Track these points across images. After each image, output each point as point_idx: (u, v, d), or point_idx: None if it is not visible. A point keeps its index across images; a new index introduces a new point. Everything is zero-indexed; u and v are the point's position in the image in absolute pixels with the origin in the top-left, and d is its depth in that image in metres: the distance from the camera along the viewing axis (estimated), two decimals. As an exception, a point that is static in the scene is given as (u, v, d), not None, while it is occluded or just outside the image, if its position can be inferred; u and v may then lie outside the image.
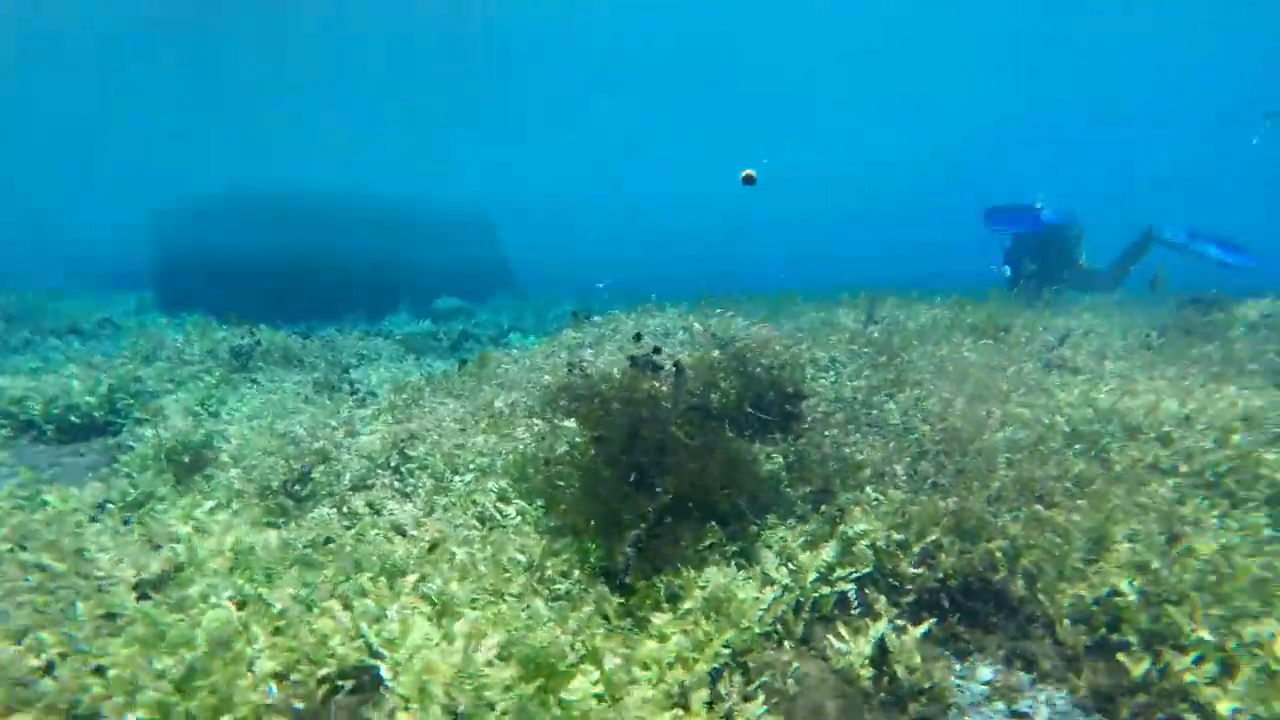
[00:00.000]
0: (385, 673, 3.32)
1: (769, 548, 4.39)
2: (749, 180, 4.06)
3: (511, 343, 15.31)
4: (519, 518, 5.01)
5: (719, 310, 11.15)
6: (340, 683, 3.57)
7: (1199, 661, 3.31)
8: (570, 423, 5.25)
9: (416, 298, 21.35)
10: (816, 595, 4.10)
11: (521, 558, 4.42)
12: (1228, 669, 3.24)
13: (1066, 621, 3.80)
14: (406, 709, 3.09)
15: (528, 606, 3.77)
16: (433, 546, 4.55)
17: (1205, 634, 3.37)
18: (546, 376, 7.37)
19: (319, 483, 6.20)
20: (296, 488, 6.28)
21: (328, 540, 4.95)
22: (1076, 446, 4.96)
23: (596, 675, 3.34)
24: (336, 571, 4.32)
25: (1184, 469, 4.58)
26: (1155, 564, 3.77)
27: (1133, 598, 3.69)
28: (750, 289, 13.49)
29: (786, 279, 14.21)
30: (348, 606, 3.94)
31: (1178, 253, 12.92)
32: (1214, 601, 3.49)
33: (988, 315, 8.31)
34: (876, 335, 7.55)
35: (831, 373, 6.82)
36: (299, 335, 13.45)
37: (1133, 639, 3.64)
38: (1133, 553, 3.84)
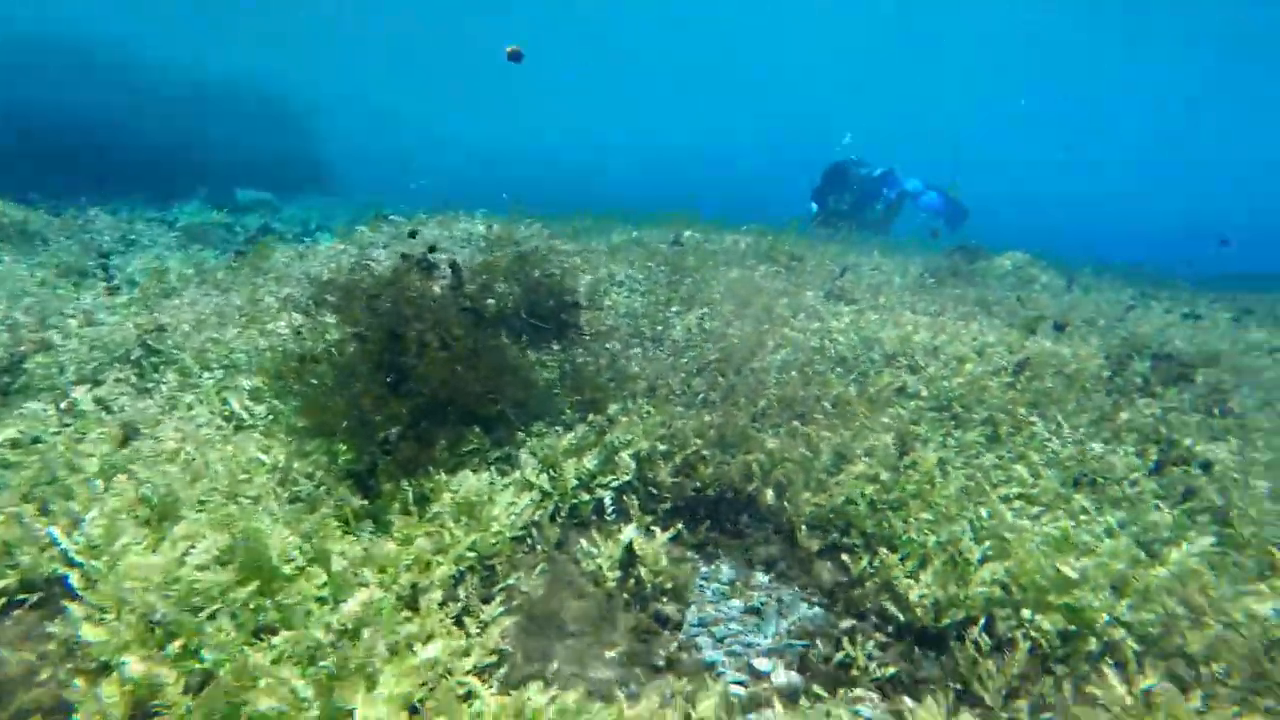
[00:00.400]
0: (75, 581, 2.94)
1: (533, 454, 4.35)
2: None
3: (318, 241, 14.07)
4: (270, 418, 4.61)
5: (527, 220, 10.89)
6: (23, 596, 3.15)
7: (904, 559, 3.68)
8: (333, 319, 4.86)
9: (217, 186, 18.98)
10: (575, 501, 4.12)
11: (265, 459, 4.07)
12: (925, 563, 3.63)
13: (805, 528, 4.08)
14: (100, 620, 2.75)
15: (261, 509, 3.48)
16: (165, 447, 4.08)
17: (914, 535, 3.75)
18: (326, 272, 6.81)
19: (35, 375, 5.39)
20: (4, 378, 5.42)
21: (35, 440, 4.32)
22: (839, 370, 5.30)
23: (324, 578, 3.16)
24: (38, 473, 3.77)
25: (925, 393, 5.03)
26: (885, 476, 4.13)
27: (863, 506, 4.02)
28: (593, 208, 13.39)
29: (631, 202, 14.20)
30: (44, 512, 3.46)
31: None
32: (925, 507, 3.88)
33: (785, 245, 8.68)
34: (675, 256, 7.65)
35: (625, 289, 6.84)
36: (48, 212, 11.58)
37: (858, 542, 3.99)
38: (869, 466, 4.17)
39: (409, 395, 4.12)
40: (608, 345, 5.44)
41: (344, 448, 4.09)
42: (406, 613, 3.09)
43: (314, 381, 4.42)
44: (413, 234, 5.22)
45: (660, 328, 5.97)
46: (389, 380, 4.12)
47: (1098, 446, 4.63)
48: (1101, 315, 8.00)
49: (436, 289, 4.88)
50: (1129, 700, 2.88)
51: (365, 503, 3.73)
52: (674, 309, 6.33)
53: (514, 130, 64.97)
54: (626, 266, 7.47)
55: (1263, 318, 9.75)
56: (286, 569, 3.14)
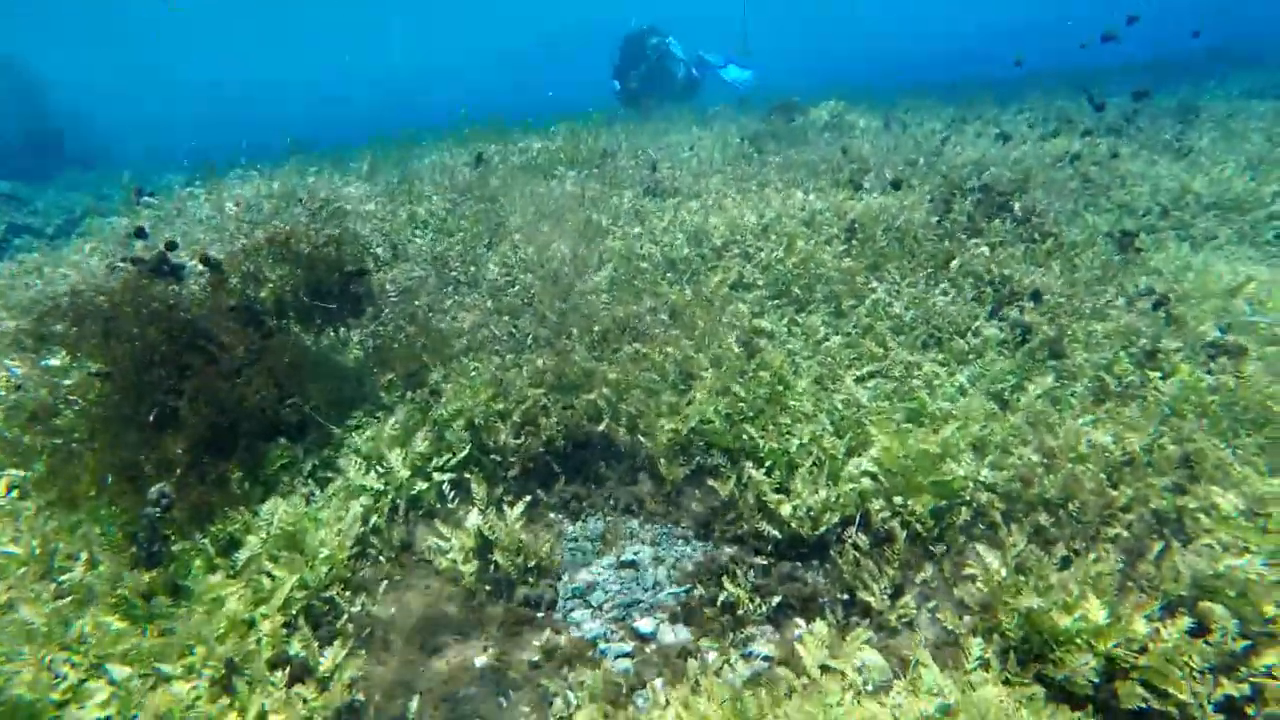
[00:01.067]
0: None
1: (355, 452, 3.82)
2: None
3: (91, 234, 12.01)
4: (14, 495, 3.79)
5: (312, 170, 9.70)
6: None
7: (771, 471, 3.50)
8: (58, 360, 3.98)
9: None
10: (414, 493, 3.66)
11: (15, 550, 3.33)
12: (793, 469, 3.47)
13: (664, 459, 3.82)
14: None
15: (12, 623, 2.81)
16: None
17: (774, 443, 3.56)
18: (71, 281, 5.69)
19: None
20: None
21: None
22: (670, 275, 4.97)
23: (106, 694, 2.60)
24: None
25: (761, 282, 4.81)
26: (735, 387, 3.89)
27: (719, 423, 3.79)
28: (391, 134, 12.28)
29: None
30: None
31: (711, 71, 15.29)
32: (780, 411, 3.69)
33: (595, 140, 8.11)
34: (478, 179, 6.96)
35: (429, 229, 6.15)
36: None
37: (722, 462, 3.77)
38: (717, 378, 3.92)
39: (182, 428, 3.43)
40: (416, 303, 4.84)
41: (113, 511, 3.38)
42: (225, 700, 2.60)
43: (58, 440, 3.61)
44: (170, 245, 4.25)
45: (473, 267, 5.39)
46: (152, 418, 3.40)
47: (939, 299, 4.60)
48: (919, 152, 8.06)
49: (195, 289, 4.08)
50: (1003, 572, 2.86)
51: (153, 574, 3.10)
52: (485, 242, 5.74)
53: (285, 67, 58.39)
54: (426, 202, 6.72)
55: (1054, 121, 10.24)
56: (54, 696, 2.55)
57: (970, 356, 4.16)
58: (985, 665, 2.60)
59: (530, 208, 6.20)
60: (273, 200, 7.89)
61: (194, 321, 3.62)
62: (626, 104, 14.16)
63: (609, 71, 14.29)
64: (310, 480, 3.74)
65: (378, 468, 3.75)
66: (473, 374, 4.28)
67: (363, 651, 3.01)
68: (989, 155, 8.03)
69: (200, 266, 4.05)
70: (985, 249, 5.16)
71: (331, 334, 4.45)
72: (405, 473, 3.71)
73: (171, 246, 4.16)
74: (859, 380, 3.99)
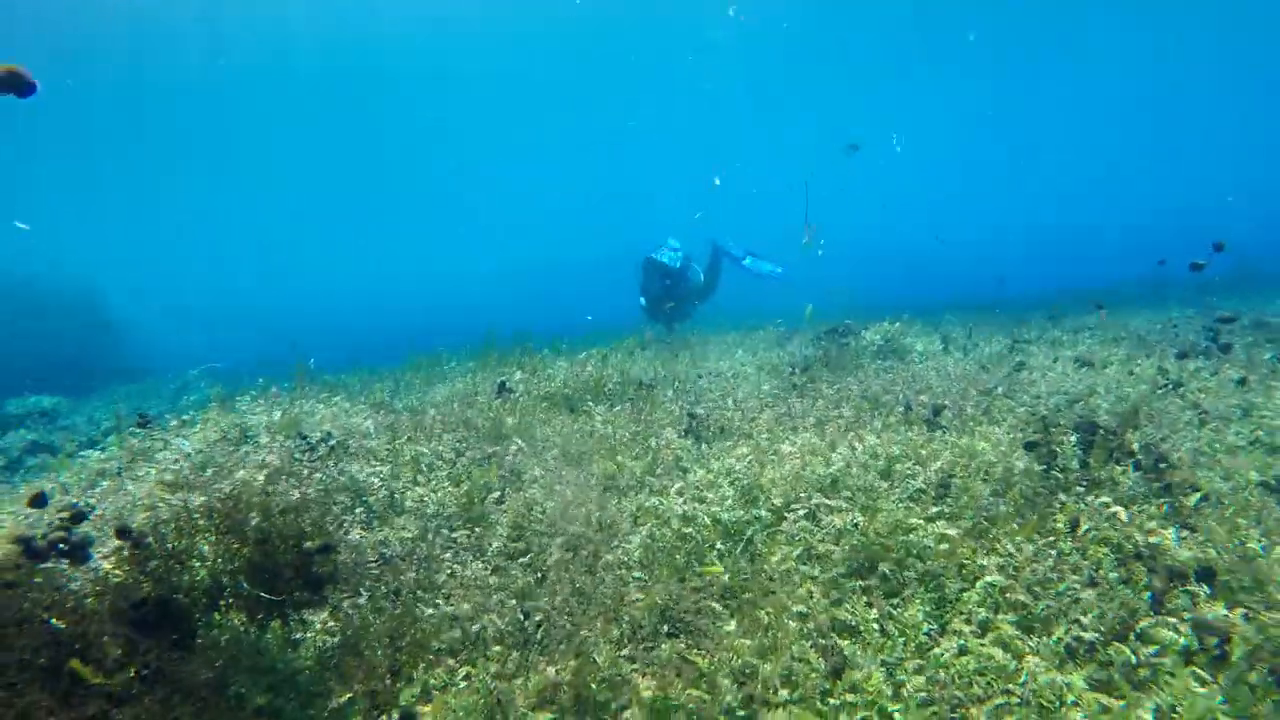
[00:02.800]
0: None
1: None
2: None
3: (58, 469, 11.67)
4: None
5: (324, 393, 9.33)
6: None
7: None
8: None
9: None
10: None
11: None
12: None
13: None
14: None
15: None
16: None
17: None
18: None
19: None
20: None
21: None
22: (720, 545, 4.08)
23: None
24: None
25: (836, 554, 3.88)
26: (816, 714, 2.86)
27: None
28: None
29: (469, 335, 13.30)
30: None
31: (734, 264, 14.88)
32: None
33: (629, 366, 7.58)
34: (497, 412, 6.35)
35: (434, 472, 5.43)
36: None
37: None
38: (789, 711, 2.90)
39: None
40: (402, 577, 3.97)
41: None
42: None
43: None
44: (77, 516, 3.54)
45: (478, 528, 4.57)
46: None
47: (1074, 581, 3.60)
48: (993, 379, 7.36)
49: (110, 569, 3.31)
50: None
51: None
52: (497, 495, 4.97)
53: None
54: (435, 440, 6.09)
55: (1133, 345, 9.62)
56: None
57: (1144, 676, 3.09)
58: None
59: (553, 450, 5.50)
60: (275, 432, 7.36)
61: (83, 625, 2.79)
62: (653, 320, 14.06)
63: (636, 289, 14.28)
64: None
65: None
66: (461, 685, 3.31)
67: None
68: (1072, 383, 7.30)
69: (118, 541, 3.30)
70: (1117, 507, 4.22)
71: (282, 628, 3.56)
72: None
73: (78, 518, 3.42)
74: (993, 716, 2.92)
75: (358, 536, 4.66)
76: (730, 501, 4.44)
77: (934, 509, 4.23)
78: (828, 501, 4.36)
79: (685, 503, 4.52)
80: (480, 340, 13.63)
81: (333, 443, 6.85)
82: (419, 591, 3.99)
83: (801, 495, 4.47)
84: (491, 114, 53.06)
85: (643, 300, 14.14)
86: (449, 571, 4.10)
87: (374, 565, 4.15)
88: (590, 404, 6.96)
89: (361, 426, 7.23)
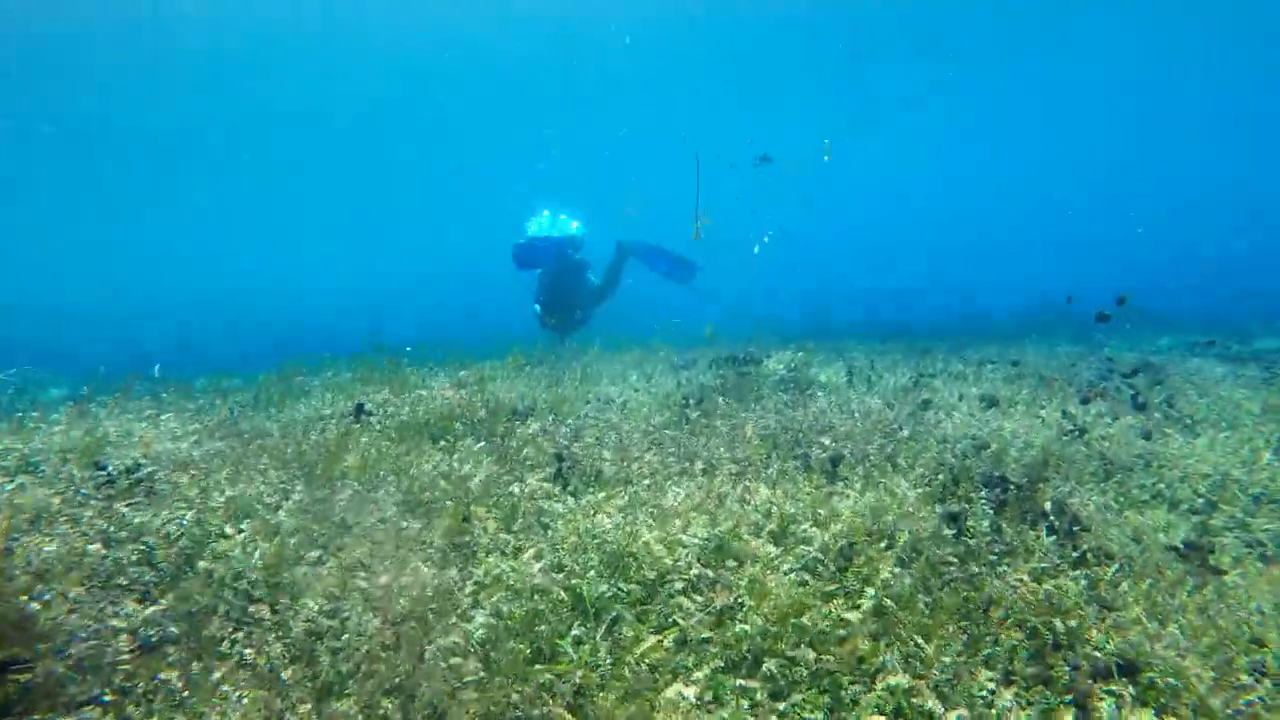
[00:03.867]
0: None
1: None
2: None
3: None
4: None
5: (150, 414, 8.15)
6: None
7: None
8: None
9: None
10: None
11: None
12: None
13: None
14: None
15: None
16: None
17: None
18: None
19: None
20: None
21: None
22: (578, 629, 3.40)
23: None
24: None
25: (715, 642, 3.27)
26: None
27: None
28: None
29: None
30: None
31: (641, 261, 13.86)
32: None
33: (505, 391, 6.83)
34: (337, 442, 5.49)
35: (250, 518, 4.53)
36: None
37: None
38: None
39: None
40: (157, 677, 3.10)
41: None
42: None
43: None
44: None
45: (285, 599, 3.74)
46: None
47: (987, 684, 3.10)
48: (898, 419, 6.99)
49: None
50: None
51: None
52: (318, 553, 4.13)
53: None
54: (260, 477, 5.18)
55: (1035, 384, 9.54)
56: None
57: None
58: None
59: (394, 496, 4.70)
60: (69, 459, 6.22)
61: None
62: (547, 329, 13.23)
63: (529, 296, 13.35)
64: None
65: None
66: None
67: None
68: (979, 426, 7.01)
69: None
70: (1034, 583, 3.78)
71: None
72: None
73: None
74: None
75: (128, 609, 3.74)
76: (594, 571, 3.76)
77: (831, 585, 3.67)
78: (709, 573, 3.75)
79: (541, 571, 3.82)
80: (362, 350, 12.64)
81: (140, 474, 5.82)
82: (186, 693, 3.13)
83: (680, 564, 3.84)
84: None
85: (536, 307, 13.21)
86: (226, 667, 3.25)
87: (126, 656, 3.25)
88: (455, 435, 6.15)
89: (182, 454, 6.19)
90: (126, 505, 5.11)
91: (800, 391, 8.46)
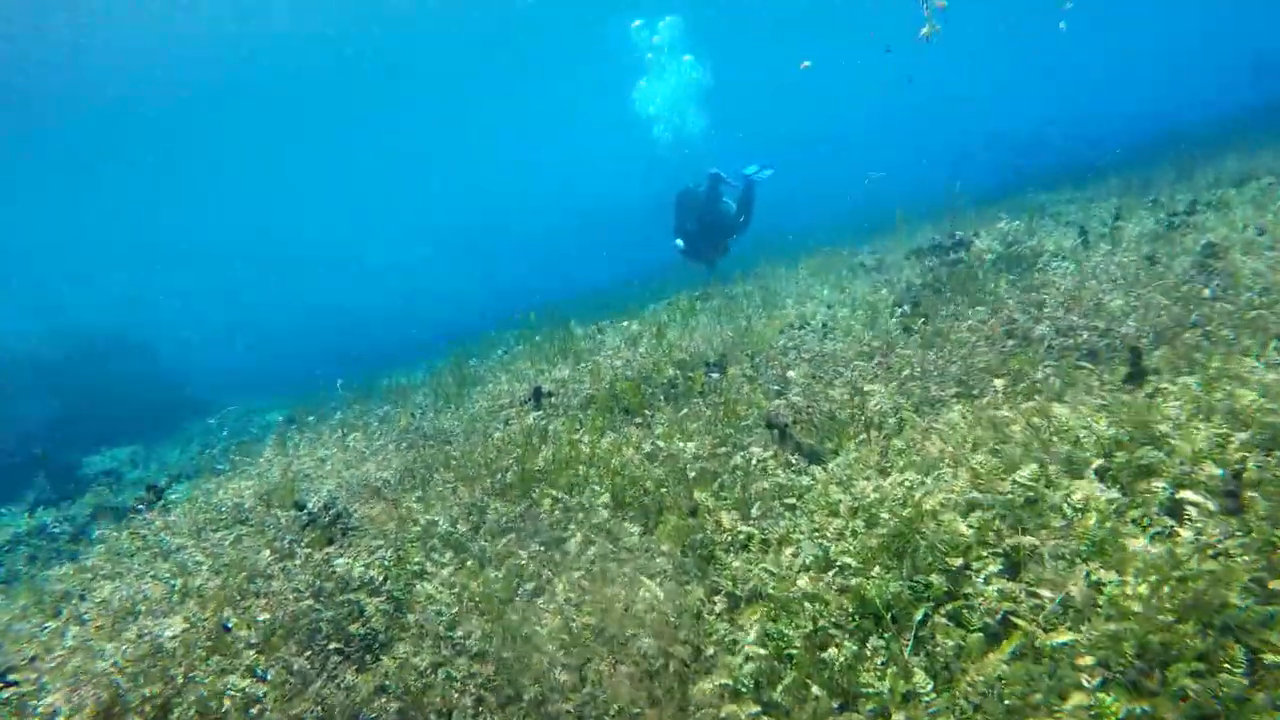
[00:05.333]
0: None
1: None
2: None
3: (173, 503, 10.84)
4: None
5: (336, 438, 8.13)
6: None
7: None
8: None
9: (59, 465, 16.12)
10: None
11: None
12: None
13: None
14: None
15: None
16: None
17: None
18: None
19: None
20: None
21: None
22: (874, 641, 2.62)
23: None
24: None
25: (1082, 651, 2.38)
26: None
27: None
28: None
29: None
30: None
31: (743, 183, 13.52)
32: None
33: (683, 339, 6.05)
34: (524, 438, 4.95)
35: (445, 552, 4.07)
36: None
37: None
38: None
39: None
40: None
41: None
42: None
43: None
44: None
45: (509, 650, 3.21)
46: None
47: None
48: (1185, 277, 5.61)
49: None
50: None
51: None
52: (530, 589, 3.59)
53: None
54: (443, 500, 4.77)
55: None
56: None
57: None
58: None
59: (603, 497, 4.08)
60: (272, 502, 6.19)
61: None
62: (693, 259, 13.09)
63: (668, 233, 13.09)
64: None
65: None
66: None
67: None
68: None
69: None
70: None
71: None
72: None
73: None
74: None
75: (348, 679, 3.37)
76: (877, 563, 2.93)
77: (1239, 539, 2.62)
78: (1031, 540, 2.81)
79: (806, 570, 3.05)
80: (518, 321, 12.52)
81: (336, 508, 5.63)
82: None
83: (990, 534, 2.93)
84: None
85: (679, 242, 12.92)
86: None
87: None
88: (649, 408, 5.46)
89: (372, 478, 5.96)
90: (330, 549, 4.88)
91: (1029, 268, 7.11)
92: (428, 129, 57.59)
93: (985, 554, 2.85)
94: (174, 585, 4.97)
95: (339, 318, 40.96)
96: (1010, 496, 3.05)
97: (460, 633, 3.45)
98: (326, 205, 63.92)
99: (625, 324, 9.51)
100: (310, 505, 5.75)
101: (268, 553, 5.09)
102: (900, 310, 6.46)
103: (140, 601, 4.93)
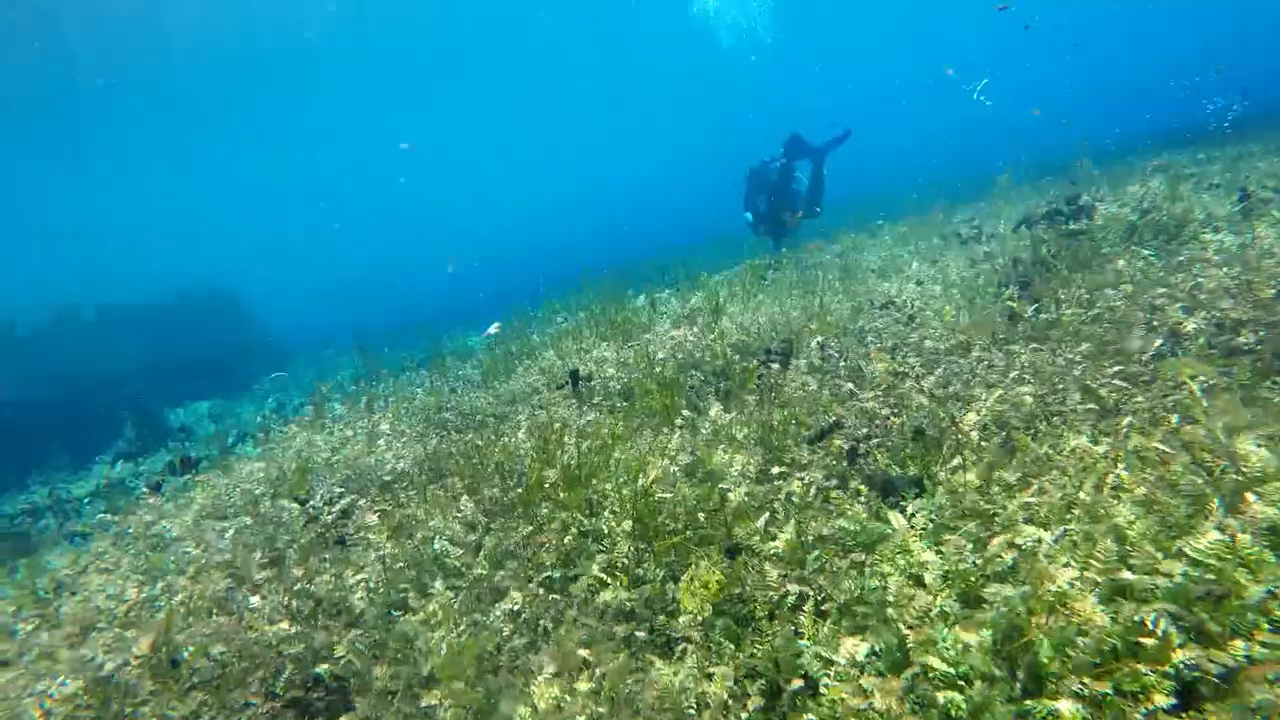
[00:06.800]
0: None
1: None
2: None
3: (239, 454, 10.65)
4: None
5: (364, 418, 7.56)
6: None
7: None
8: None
9: (146, 416, 16.29)
10: None
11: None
12: None
13: None
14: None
15: None
16: None
17: None
18: None
19: None
20: None
21: None
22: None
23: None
24: None
25: None
26: None
27: None
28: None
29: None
30: None
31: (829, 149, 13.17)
32: None
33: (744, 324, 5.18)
34: (554, 432, 4.21)
35: (434, 592, 3.37)
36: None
37: None
38: None
39: None
40: None
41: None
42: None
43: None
44: None
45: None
46: None
47: None
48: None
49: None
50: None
51: None
52: (518, 647, 2.85)
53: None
54: (453, 507, 4.07)
55: None
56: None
57: None
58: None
59: (620, 519, 3.30)
60: (273, 492, 5.67)
61: None
62: (762, 234, 12.78)
63: (738, 205, 12.86)
64: None
65: None
66: None
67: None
68: None
69: None
70: None
71: None
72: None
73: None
74: None
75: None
76: (975, 673, 2.07)
77: None
78: (1224, 661, 1.91)
79: (870, 660, 2.21)
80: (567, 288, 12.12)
81: (341, 504, 5.02)
82: None
83: (1151, 642, 2.03)
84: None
85: (748, 215, 12.68)
86: None
87: None
88: (692, 408, 4.61)
89: (386, 468, 5.34)
90: (324, 557, 4.26)
91: (1171, 240, 5.93)
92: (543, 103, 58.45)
93: (1146, 671, 1.95)
94: (153, 591, 4.49)
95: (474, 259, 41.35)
96: (1183, 582, 2.13)
97: (432, 699, 2.74)
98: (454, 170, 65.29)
99: (690, 294, 8.69)
100: (315, 499, 5.19)
101: (258, 555, 4.54)
102: (1006, 291, 5.40)
103: (118, 605, 4.46)
